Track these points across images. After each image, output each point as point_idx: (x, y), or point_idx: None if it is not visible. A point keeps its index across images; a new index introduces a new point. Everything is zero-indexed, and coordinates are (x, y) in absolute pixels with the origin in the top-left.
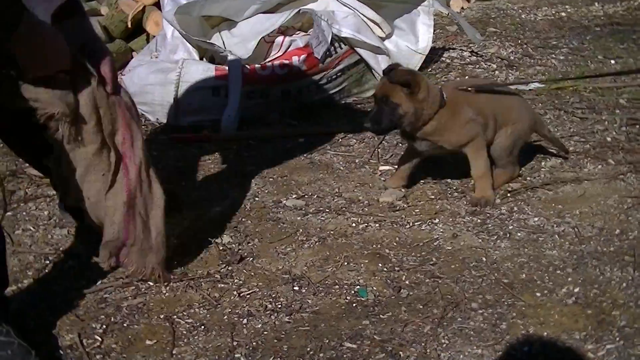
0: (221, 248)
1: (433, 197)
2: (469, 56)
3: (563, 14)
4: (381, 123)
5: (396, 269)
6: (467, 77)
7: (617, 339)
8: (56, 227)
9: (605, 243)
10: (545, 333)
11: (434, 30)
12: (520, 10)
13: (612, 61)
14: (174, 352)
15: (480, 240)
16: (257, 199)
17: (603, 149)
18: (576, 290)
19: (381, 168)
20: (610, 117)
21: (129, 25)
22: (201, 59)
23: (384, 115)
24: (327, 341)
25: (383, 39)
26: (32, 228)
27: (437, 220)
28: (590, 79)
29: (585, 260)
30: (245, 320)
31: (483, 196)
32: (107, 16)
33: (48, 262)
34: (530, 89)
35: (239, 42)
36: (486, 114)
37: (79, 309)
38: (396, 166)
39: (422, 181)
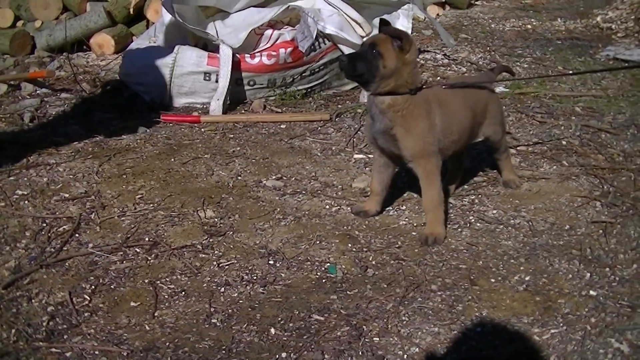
0: (204, 221)
1: (402, 186)
2: (442, 59)
3: (529, 26)
4: (356, 65)
5: (364, 249)
6: (438, 77)
7: (561, 324)
8: (54, 193)
9: (556, 237)
10: (497, 316)
11: (411, 33)
12: (490, 20)
13: (570, 72)
14: (155, 314)
15: None
16: (239, 177)
17: (558, 152)
18: (527, 278)
19: (355, 156)
20: (566, 122)
21: (131, 12)
22: (195, 45)
23: (364, 59)
24: (297, 312)
25: (363, 37)
26: (31, 193)
27: (404, 207)
28: (550, 86)
29: (537, 251)
30: (222, 289)
31: (432, 233)
32: (112, 2)
33: (45, 224)
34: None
35: (231, 32)
36: (469, 105)
37: (71, 269)
38: (369, 169)
39: None
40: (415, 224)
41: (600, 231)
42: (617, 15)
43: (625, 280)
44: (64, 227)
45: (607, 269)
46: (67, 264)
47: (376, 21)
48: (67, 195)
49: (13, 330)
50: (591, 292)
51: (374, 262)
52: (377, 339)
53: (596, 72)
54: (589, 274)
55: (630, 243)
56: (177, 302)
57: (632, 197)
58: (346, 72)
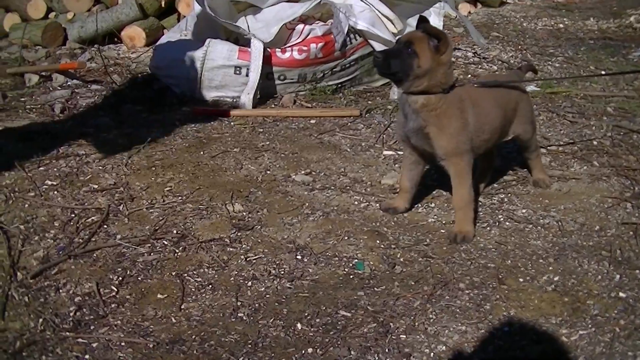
0: (232, 215)
1: (431, 183)
2: (472, 57)
3: (561, 25)
4: (391, 62)
5: (392, 246)
6: (469, 75)
7: (590, 325)
8: (83, 184)
9: (585, 238)
10: (525, 316)
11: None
12: (522, 19)
13: (603, 72)
14: (182, 306)
15: None
16: (268, 172)
17: (589, 152)
18: (556, 278)
19: (385, 152)
20: (597, 123)
21: (163, 5)
22: (226, 40)
23: (399, 57)
24: (324, 308)
25: (395, 35)
26: (61, 184)
27: (433, 205)
28: (581, 86)
29: (566, 252)
30: (250, 283)
31: (461, 231)
32: None
33: (73, 215)
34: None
35: (262, 26)
36: (500, 104)
37: (99, 260)
38: (398, 166)
39: None
40: (444, 222)
41: (631, 233)
42: None
43: None
44: (93, 218)
45: (637, 271)
46: (95, 254)
47: (410, 20)
48: (96, 186)
49: (40, 320)
50: (620, 294)
51: (401, 259)
52: (404, 336)
53: (628, 73)
54: (618, 276)
55: None
56: (204, 295)
57: None
58: (380, 69)
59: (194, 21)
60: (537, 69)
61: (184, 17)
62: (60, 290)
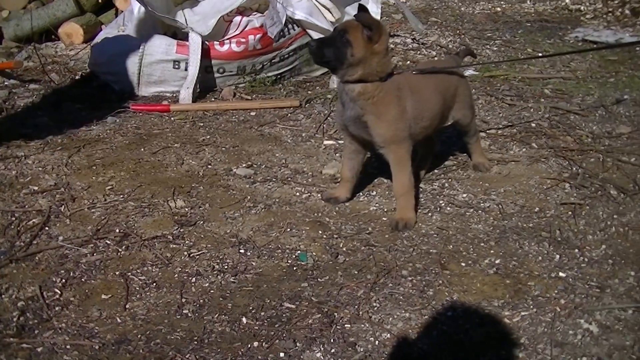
0: (174, 211)
1: (372, 171)
2: (411, 43)
3: (498, 9)
4: (325, 50)
5: (335, 236)
6: (408, 62)
7: (531, 306)
8: (23, 186)
9: (525, 219)
10: (468, 300)
11: (381, 18)
12: (460, 3)
13: (540, 54)
14: (127, 306)
15: None
16: (209, 166)
17: (528, 134)
18: (497, 261)
19: (325, 142)
20: (535, 105)
21: (100, 0)
22: (164, 34)
23: (333, 45)
24: (269, 301)
25: (333, 24)
26: (0, 186)
27: (374, 193)
28: (519, 69)
29: (507, 234)
30: (194, 279)
31: (402, 218)
32: None
33: (14, 218)
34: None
35: (200, 19)
36: (439, 91)
37: (41, 263)
38: (339, 155)
39: None
40: (385, 210)
41: (570, 213)
42: None
43: (594, 261)
44: (34, 220)
45: (576, 250)
46: (37, 257)
47: (348, 9)
48: (36, 188)
49: None
50: (560, 274)
51: (344, 249)
52: (349, 325)
53: (565, 54)
54: (558, 256)
55: (599, 224)
56: (148, 293)
57: (601, 179)
58: (314, 57)
59: (131, 16)
60: (475, 53)
61: (122, 12)
62: (3, 296)
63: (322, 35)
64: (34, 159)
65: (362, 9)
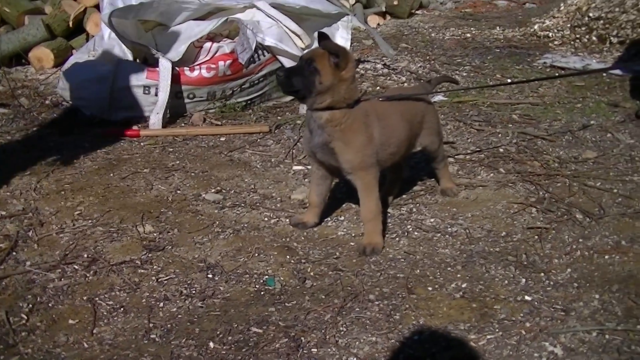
0: (143, 236)
1: (340, 196)
2: (382, 68)
3: (468, 35)
4: (292, 80)
5: (302, 261)
6: (378, 87)
7: (497, 330)
8: None
9: (492, 244)
10: (434, 324)
11: (351, 44)
12: (430, 29)
13: (509, 80)
14: (94, 331)
15: None
16: (178, 191)
17: (495, 159)
18: (464, 285)
19: (295, 167)
20: (503, 130)
21: (71, 25)
22: (135, 59)
23: (300, 74)
24: (236, 325)
25: (303, 49)
26: None
27: (342, 218)
28: (488, 95)
29: (474, 258)
30: (161, 304)
31: (370, 243)
32: (50, 15)
33: None
34: (434, 102)
35: (170, 45)
36: (406, 118)
37: (8, 288)
38: (308, 181)
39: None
40: (353, 235)
41: (536, 237)
42: (554, 24)
43: (559, 284)
44: (1, 245)
45: (542, 274)
46: (3, 282)
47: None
48: (4, 212)
49: None
50: (526, 297)
51: (312, 274)
52: (316, 350)
53: (533, 81)
54: (524, 280)
55: (565, 248)
56: (116, 318)
57: (567, 203)
58: (283, 87)
59: (102, 41)
60: (455, 79)
61: (93, 36)
62: None
63: (292, 62)
64: (1, 184)
65: (323, 36)
